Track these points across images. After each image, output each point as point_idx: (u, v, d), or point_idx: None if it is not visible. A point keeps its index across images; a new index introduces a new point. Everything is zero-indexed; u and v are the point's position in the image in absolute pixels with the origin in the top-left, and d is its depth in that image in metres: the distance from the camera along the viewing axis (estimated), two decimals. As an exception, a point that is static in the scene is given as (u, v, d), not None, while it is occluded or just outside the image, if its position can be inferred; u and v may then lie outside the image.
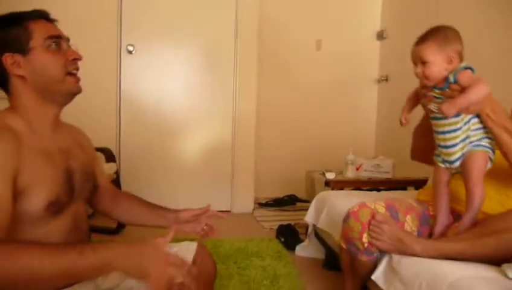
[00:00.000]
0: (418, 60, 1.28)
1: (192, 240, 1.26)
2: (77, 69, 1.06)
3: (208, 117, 3.27)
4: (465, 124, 1.28)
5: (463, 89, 1.22)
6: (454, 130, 1.29)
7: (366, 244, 1.36)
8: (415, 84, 3.33)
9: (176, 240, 1.35)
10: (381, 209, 1.40)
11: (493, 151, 1.29)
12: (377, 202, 1.44)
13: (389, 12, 3.75)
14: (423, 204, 1.54)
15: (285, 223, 2.74)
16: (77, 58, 1.05)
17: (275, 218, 3.12)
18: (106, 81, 3.05)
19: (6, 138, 0.90)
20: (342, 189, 2.56)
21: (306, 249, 2.34)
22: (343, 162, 2.63)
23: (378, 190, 2.34)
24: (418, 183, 2.45)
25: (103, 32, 3.01)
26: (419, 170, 2.29)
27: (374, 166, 2.54)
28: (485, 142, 1.29)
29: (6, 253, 0.76)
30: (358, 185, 2.51)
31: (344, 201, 1.94)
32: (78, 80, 1.07)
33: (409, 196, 1.77)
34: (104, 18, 3.02)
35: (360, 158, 2.59)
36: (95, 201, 1.24)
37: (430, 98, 1.30)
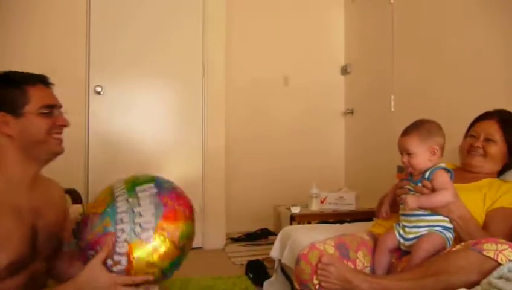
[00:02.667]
0: (404, 151, 1.41)
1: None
2: (61, 133, 1.13)
3: (178, 154, 3.30)
4: (431, 215, 1.38)
5: (433, 189, 1.34)
6: (421, 215, 1.39)
7: (317, 286, 1.39)
8: (378, 116, 3.49)
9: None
10: (330, 249, 1.45)
11: (450, 245, 1.37)
12: (327, 241, 1.49)
13: (352, 48, 3.92)
14: (375, 237, 1.60)
15: (256, 257, 2.74)
16: (65, 125, 1.10)
17: (247, 253, 3.12)
18: (74, 122, 2.99)
19: None
20: (309, 222, 2.60)
21: (273, 285, 2.33)
22: (309, 195, 2.69)
23: (342, 222, 2.39)
24: (381, 214, 2.51)
25: (71, 74, 3.05)
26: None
27: (338, 198, 2.61)
28: (447, 234, 1.38)
29: None
30: (323, 217, 2.56)
31: (305, 236, 1.97)
32: (61, 141, 1.11)
33: (362, 229, 1.82)
34: (72, 60, 3.07)
35: (324, 191, 2.65)
36: (55, 263, 1.24)
37: (406, 190, 1.44)
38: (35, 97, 1.05)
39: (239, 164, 3.73)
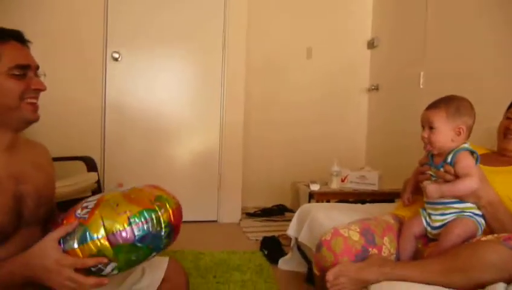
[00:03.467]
0: (426, 124, 1.28)
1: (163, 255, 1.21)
2: (36, 98, 1.01)
3: (195, 125, 3.23)
4: (458, 203, 1.27)
5: (456, 175, 1.22)
6: (449, 203, 1.28)
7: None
8: (405, 93, 3.31)
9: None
10: (355, 235, 1.35)
11: (481, 231, 1.26)
12: (351, 227, 1.38)
13: (380, 21, 3.72)
14: (400, 219, 1.50)
15: (271, 234, 2.69)
16: (40, 89, 1.00)
17: (262, 229, 3.07)
18: (90, 89, 3.01)
19: None
20: (328, 201, 2.51)
21: (289, 263, 2.28)
22: (330, 173, 2.59)
23: (364, 202, 2.29)
24: (405, 196, 2.40)
25: (88, 38, 2.98)
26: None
27: (360, 177, 2.50)
28: (479, 219, 1.26)
29: None
30: (343, 197, 2.46)
31: (325, 215, 1.88)
32: (36, 108, 1.01)
33: (385, 211, 1.72)
34: (89, 24, 2.98)
35: (345, 169, 2.55)
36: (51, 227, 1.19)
37: (428, 176, 1.32)
38: (6, 56, 0.93)
39: (258, 138, 3.64)
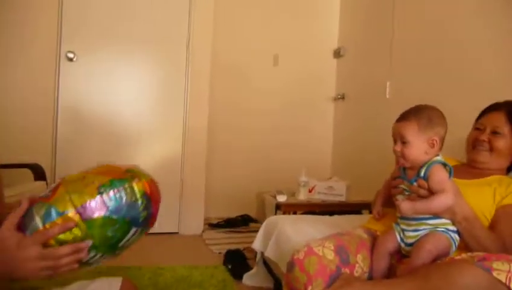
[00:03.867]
0: (398, 138, 1.22)
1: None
2: None
3: (156, 130, 3.06)
4: (433, 218, 1.21)
5: (429, 189, 1.17)
6: (422, 219, 1.21)
7: None
8: (371, 103, 3.25)
9: (96, 274, 1.18)
10: (329, 254, 1.25)
11: (455, 247, 1.21)
12: (325, 244, 1.29)
13: (346, 30, 3.71)
14: (373, 234, 1.42)
15: (235, 246, 2.57)
16: None
17: (226, 241, 2.94)
18: (41, 90, 2.78)
19: None
20: (295, 212, 2.42)
21: (254, 278, 2.16)
22: (297, 183, 2.50)
23: (332, 214, 2.21)
24: (372, 207, 2.35)
25: (40, 36, 2.75)
26: (374, 192, 2.20)
27: (328, 188, 2.43)
28: (452, 235, 1.20)
29: None
30: (310, 208, 2.38)
31: (293, 229, 1.79)
32: None
33: (356, 224, 1.65)
34: (42, 21, 2.76)
35: (313, 180, 2.47)
36: None
37: (401, 190, 1.25)
38: None
39: (222, 146, 3.52)
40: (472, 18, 2.23)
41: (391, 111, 3.01)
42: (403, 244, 1.26)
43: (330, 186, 2.44)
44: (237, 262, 2.34)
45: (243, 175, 3.56)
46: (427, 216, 1.20)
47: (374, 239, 1.39)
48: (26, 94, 2.71)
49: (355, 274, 1.29)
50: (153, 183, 0.97)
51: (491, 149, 1.44)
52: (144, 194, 0.92)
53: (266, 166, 3.58)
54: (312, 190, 2.45)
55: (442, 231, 1.19)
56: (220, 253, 2.62)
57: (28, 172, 2.39)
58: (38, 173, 2.35)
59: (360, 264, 1.30)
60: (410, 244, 1.23)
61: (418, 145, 1.18)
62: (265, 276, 2.12)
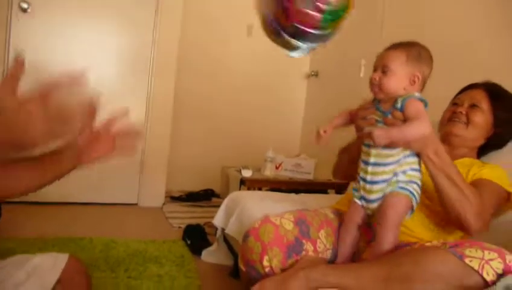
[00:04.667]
0: (380, 66, 1.11)
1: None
2: None
3: (118, 96, 2.83)
4: (398, 160, 1.11)
5: (406, 121, 1.07)
6: (385, 164, 1.11)
7: (267, 269, 1.12)
8: (345, 81, 3.13)
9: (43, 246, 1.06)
10: (288, 224, 1.18)
11: (416, 201, 1.12)
12: (284, 215, 1.21)
13: (325, 4, 3.58)
14: (341, 215, 1.35)
15: (197, 221, 2.46)
16: None
17: (187, 215, 2.83)
18: (-10, 43, 2.52)
19: None
20: (259, 189, 2.33)
21: (213, 255, 2.07)
22: (264, 159, 2.40)
23: (297, 192, 2.14)
24: (340, 187, 2.30)
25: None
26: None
27: (295, 165, 2.35)
28: (412, 187, 1.11)
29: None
30: (276, 185, 2.29)
31: (257, 205, 1.70)
32: None
33: (326, 203, 1.58)
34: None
35: (280, 156, 2.38)
36: None
37: (371, 120, 1.13)
38: None
39: (188, 117, 3.36)
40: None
41: (365, 90, 2.95)
42: (365, 203, 1.16)
43: (298, 163, 2.35)
44: (197, 237, 2.24)
45: (208, 148, 3.43)
46: (393, 152, 1.10)
47: (340, 220, 1.32)
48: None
49: (318, 249, 1.21)
50: None
51: (468, 122, 1.38)
52: None
53: (233, 140, 3.46)
54: (279, 166, 2.36)
55: (402, 188, 1.10)
56: (179, 227, 2.51)
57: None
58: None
59: (323, 241, 1.23)
60: (372, 201, 1.14)
61: (400, 77, 1.09)
62: (225, 253, 2.03)
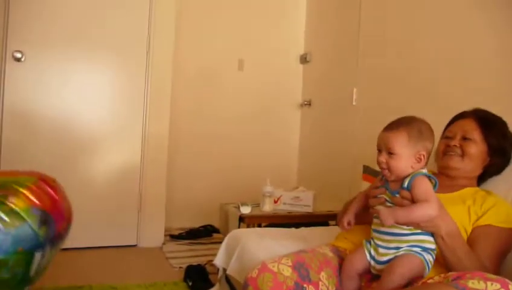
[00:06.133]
0: (384, 148, 1.14)
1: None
2: None
3: (114, 136, 2.87)
4: (411, 234, 1.12)
5: (413, 201, 1.09)
6: (398, 235, 1.13)
7: None
8: (338, 110, 3.17)
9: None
10: (286, 270, 1.16)
11: (429, 269, 1.13)
12: (282, 260, 1.20)
13: (313, 35, 3.66)
14: (340, 253, 1.34)
15: (198, 259, 2.45)
16: None
17: (188, 253, 2.79)
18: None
19: None
20: (259, 225, 2.31)
21: (215, 296, 2.03)
22: (262, 194, 2.39)
23: (298, 226, 2.12)
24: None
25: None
26: (341, 203, 2.12)
27: (294, 198, 2.34)
28: (426, 257, 1.13)
29: None
30: (275, 220, 2.27)
31: (257, 244, 1.67)
32: None
33: (327, 237, 1.57)
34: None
35: (278, 190, 2.37)
36: None
37: (381, 199, 1.16)
38: None
39: (184, 154, 3.37)
40: (441, 24, 2.20)
41: (358, 118, 3.00)
42: (373, 262, 1.17)
43: (297, 196, 2.34)
44: (198, 278, 2.21)
45: (205, 184, 3.42)
46: (405, 231, 1.12)
47: (341, 259, 1.30)
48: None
49: None
50: (42, 183, 0.78)
51: (463, 154, 1.39)
52: (32, 210, 0.73)
53: (230, 175, 3.46)
54: (278, 200, 2.35)
55: (417, 252, 1.12)
56: (180, 267, 2.47)
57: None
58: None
59: (325, 282, 1.21)
60: (382, 262, 1.15)
61: (406, 158, 1.12)
62: (228, 294, 1.99)
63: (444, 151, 1.44)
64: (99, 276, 2.24)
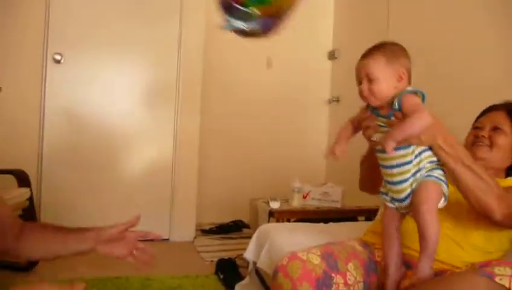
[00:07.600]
0: (364, 77, 1.12)
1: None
2: None
3: (146, 135, 2.98)
4: (415, 157, 1.10)
5: (406, 118, 1.07)
6: (403, 164, 1.11)
7: None
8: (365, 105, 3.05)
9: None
10: (315, 259, 1.19)
11: (447, 186, 1.11)
12: (311, 250, 1.23)
13: (341, 32, 3.66)
14: (369, 247, 1.35)
15: (228, 253, 2.50)
16: None
17: (218, 247, 2.86)
18: (28, 94, 2.70)
19: None
20: (288, 220, 2.35)
21: (246, 289, 2.08)
22: (291, 189, 2.43)
23: (326, 221, 2.14)
24: (369, 213, 2.29)
25: (25, 37, 2.67)
26: (370, 198, 2.13)
27: (322, 194, 2.36)
28: (437, 173, 1.11)
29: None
30: (304, 215, 2.31)
31: (286, 238, 1.73)
32: None
33: (355, 232, 1.59)
34: (27, 21, 2.68)
35: (307, 185, 2.40)
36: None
37: (375, 128, 1.14)
38: None
39: (214, 150, 3.44)
40: (467, 22, 2.17)
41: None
42: (397, 204, 1.16)
43: (325, 192, 2.37)
44: (229, 271, 2.27)
45: (235, 180, 3.48)
46: (408, 159, 1.09)
47: (370, 253, 1.32)
48: (12, 98, 2.62)
49: (348, 282, 1.22)
50: None
51: (492, 145, 1.37)
52: None
53: (260, 170, 3.50)
54: (307, 196, 2.38)
55: (427, 176, 1.09)
56: (211, 261, 2.54)
57: (12, 178, 2.30)
58: (23, 180, 2.26)
59: (353, 273, 1.23)
60: (403, 199, 1.13)
61: (387, 80, 1.10)
62: (258, 287, 2.04)
63: (473, 142, 1.43)
64: (135, 269, 2.33)
